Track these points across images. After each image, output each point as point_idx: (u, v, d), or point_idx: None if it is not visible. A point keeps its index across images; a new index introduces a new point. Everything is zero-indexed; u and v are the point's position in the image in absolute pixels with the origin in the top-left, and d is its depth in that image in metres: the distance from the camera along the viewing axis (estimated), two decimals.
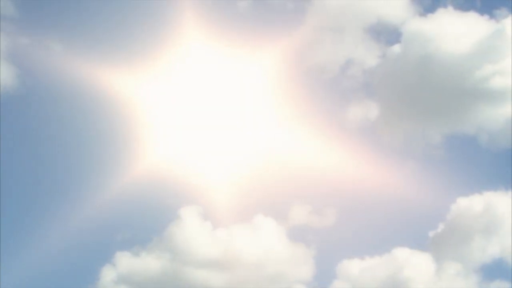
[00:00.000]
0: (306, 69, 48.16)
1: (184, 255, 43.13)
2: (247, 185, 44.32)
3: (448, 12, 46.48)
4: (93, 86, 43.95)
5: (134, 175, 43.29)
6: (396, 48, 47.11)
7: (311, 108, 46.71)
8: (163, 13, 45.39)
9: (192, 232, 43.54)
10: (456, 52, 44.77)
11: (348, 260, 43.75)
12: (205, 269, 42.76)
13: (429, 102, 45.39)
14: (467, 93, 44.71)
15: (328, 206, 45.43)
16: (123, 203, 42.73)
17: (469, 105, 45.08)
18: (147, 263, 42.96)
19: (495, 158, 45.74)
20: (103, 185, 43.21)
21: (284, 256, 43.80)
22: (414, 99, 45.71)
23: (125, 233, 44.45)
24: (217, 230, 43.76)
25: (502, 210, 42.72)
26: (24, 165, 45.12)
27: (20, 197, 44.62)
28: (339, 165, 43.68)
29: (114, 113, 44.54)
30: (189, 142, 45.44)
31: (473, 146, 46.26)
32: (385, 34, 48.38)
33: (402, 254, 43.17)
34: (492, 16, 46.19)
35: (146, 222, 43.84)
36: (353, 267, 43.57)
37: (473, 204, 43.72)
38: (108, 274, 42.61)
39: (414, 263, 42.78)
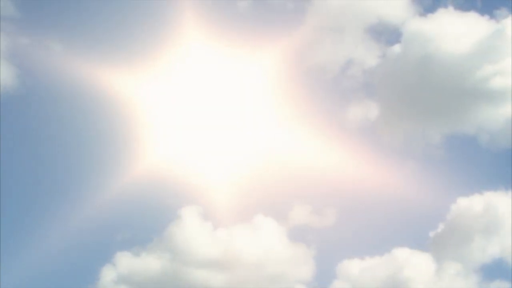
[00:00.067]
0: (306, 69, 48.23)
1: (184, 255, 43.18)
2: (247, 185, 44.36)
3: (448, 12, 46.57)
4: (93, 86, 43.96)
5: (134, 175, 43.30)
6: (396, 48, 47.21)
7: (311, 108, 46.77)
8: (163, 13, 45.43)
9: (192, 232, 43.56)
10: (456, 52, 44.82)
11: (348, 260, 43.84)
12: (205, 269, 42.79)
13: (429, 102, 45.44)
14: (467, 93, 44.75)
15: (328, 206, 45.50)
16: (123, 203, 42.78)
17: (469, 105, 45.15)
18: (147, 263, 42.98)
19: (495, 158, 45.82)
20: (103, 185, 43.25)
21: (284, 256, 43.85)
22: (414, 99, 45.76)
23: (125, 233, 44.52)
24: (217, 230, 43.81)
25: (502, 210, 42.75)
26: (24, 165, 45.17)
27: (20, 197, 44.68)
28: (339, 165, 43.70)
29: (114, 113, 44.56)
30: (189, 142, 45.48)
31: (473, 146, 46.34)
32: (385, 34, 48.47)
33: (402, 254, 43.21)
34: (492, 16, 46.29)
35: (146, 222, 43.91)
36: (353, 267, 43.64)
37: (473, 204, 43.78)
38: (108, 274, 42.65)
39: (414, 263, 42.81)
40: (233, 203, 43.86)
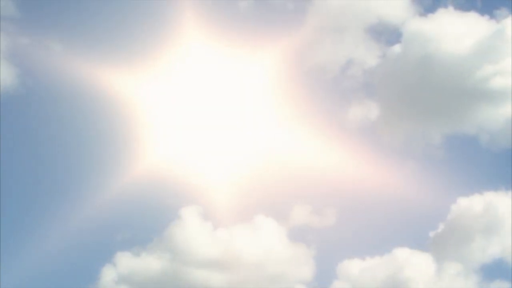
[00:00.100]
0: (307, 69, 48.22)
1: (184, 255, 43.17)
2: (247, 185, 44.35)
3: (449, 12, 46.56)
4: (93, 86, 43.95)
5: (134, 175, 43.29)
6: (397, 48, 47.21)
7: (311, 108, 46.77)
8: (163, 13, 45.42)
9: (193, 232, 43.56)
10: (457, 52, 44.82)
11: (349, 260, 43.83)
12: (206, 269, 42.78)
13: (429, 102, 45.44)
14: (467, 93, 44.76)
15: (328, 206, 45.49)
16: (123, 203, 42.76)
17: (469, 105, 45.16)
18: (148, 263, 42.97)
19: (495, 158, 45.83)
20: (103, 185, 43.23)
21: (285, 256, 43.85)
22: (414, 99, 45.76)
23: (125, 233, 44.50)
24: (218, 230, 43.80)
25: (503, 210, 42.77)
26: (24, 165, 45.15)
27: (20, 197, 44.66)
28: (339, 165, 43.69)
29: (114, 113, 44.55)
30: (189, 142, 45.47)
31: (473, 146, 46.35)
32: (386, 34, 48.46)
33: (403, 254, 43.21)
34: (492, 16, 46.30)
35: (146, 222, 43.88)
36: (353, 267, 43.64)
37: (474, 204, 43.78)
38: (108, 274, 42.63)
39: (415, 263, 42.81)
40: (233, 203, 43.88)
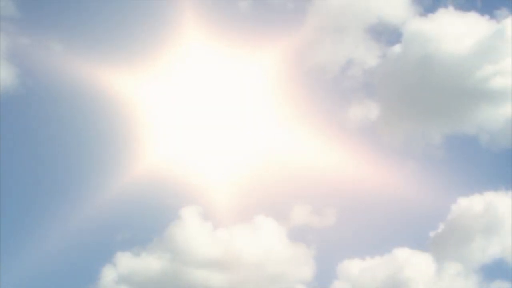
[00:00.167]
0: (307, 69, 48.21)
1: (184, 255, 43.17)
2: (247, 185, 44.35)
3: (449, 12, 46.56)
4: (93, 86, 43.94)
5: (134, 175, 43.29)
6: (397, 48, 47.22)
7: (311, 108, 46.76)
8: (163, 13, 45.41)
9: (193, 232, 43.56)
10: (457, 52, 44.83)
11: (349, 260, 43.83)
12: (206, 269, 42.78)
13: (430, 102, 45.45)
14: (467, 93, 44.76)
15: (328, 206, 45.49)
16: (123, 203, 42.75)
17: (469, 105, 45.15)
18: (148, 263, 42.96)
19: (495, 158, 45.84)
20: (103, 185, 43.23)
21: (285, 256, 43.84)
22: (414, 99, 45.76)
23: (125, 233, 44.49)
24: (218, 230, 43.80)
25: (503, 210, 42.78)
26: (24, 165, 45.14)
27: (20, 197, 44.65)
28: (339, 165, 43.69)
29: (114, 113, 44.54)
30: (189, 142, 45.46)
31: (473, 146, 46.36)
32: (386, 34, 48.46)
33: (403, 254, 43.22)
34: (492, 16, 46.30)
35: (146, 222, 43.88)
36: (353, 267, 43.64)
37: (474, 204, 43.79)
38: (108, 274, 42.62)
39: (415, 263, 42.81)
40: (233, 203, 43.88)
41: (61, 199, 43.66)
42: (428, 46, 45.24)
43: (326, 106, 47.85)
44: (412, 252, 43.31)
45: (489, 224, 42.88)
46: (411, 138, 46.62)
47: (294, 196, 45.27)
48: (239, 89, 46.28)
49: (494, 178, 44.57)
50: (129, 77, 44.20)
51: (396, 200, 43.38)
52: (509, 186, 43.15)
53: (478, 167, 45.93)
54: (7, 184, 43.50)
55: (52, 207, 43.51)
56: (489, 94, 44.43)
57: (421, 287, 42.24)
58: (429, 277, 42.39)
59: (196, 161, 45.04)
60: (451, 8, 46.80)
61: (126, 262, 43.07)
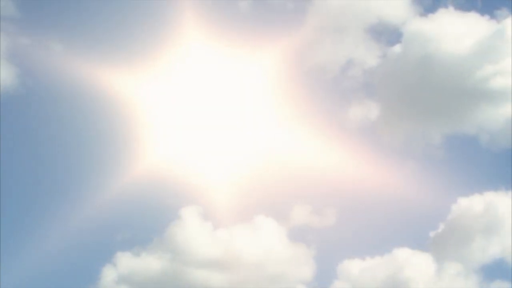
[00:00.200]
0: (307, 69, 48.21)
1: (184, 255, 43.17)
2: (247, 185, 44.35)
3: (449, 12, 46.58)
4: (93, 86, 43.94)
5: (134, 175, 43.28)
6: (397, 48, 47.24)
7: (311, 108, 46.77)
8: (163, 13, 45.41)
9: (193, 232, 43.55)
10: (457, 52, 44.84)
11: (349, 260, 43.82)
12: (206, 269, 42.78)
13: (430, 102, 45.46)
14: (467, 93, 44.77)
15: (328, 206, 45.49)
16: (123, 203, 42.75)
17: (469, 105, 45.16)
18: (148, 263, 42.96)
19: (495, 158, 45.84)
20: (103, 185, 43.23)
21: (285, 256, 43.84)
22: (414, 99, 45.76)
23: (125, 233, 44.49)
24: (218, 230, 43.80)
25: (503, 210, 42.79)
26: (24, 165, 45.14)
27: (20, 197, 44.65)
28: (339, 165, 43.69)
29: (114, 113, 44.54)
30: (189, 142, 45.46)
31: (473, 146, 46.36)
32: (386, 34, 48.47)
33: (403, 254, 43.22)
34: (492, 16, 46.32)
35: (146, 222, 43.88)
36: (353, 267, 43.63)
37: (474, 204, 43.79)
38: (108, 274, 42.62)
39: (415, 263, 42.81)
40: (233, 203, 43.88)
41: (61, 199, 43.73)
42: (428, 46, 45.27)
43: (326, 106, 47.92)
44: (412, 252, 43.37)
45: (489, 224, 42.91)
46: (411, 138, 46.69)
47: (294, 196, 45.33)
48: (239, 89, 46.33)
49: (494, 178, 44.66)
50: (129, 77, 44.24)
51: (396, 200, 43.43)
52: (509, 186, 43.24)
53: (478, 167, 46.01)
54: (7, 184, 43.56)
55: (52, 207, 43.58)
56: (489, 94, 44.48)
57: (421, 287, 42.27)
58: (429, 277, 42.41)
59: (196, 161, 45.09)
60: (451, 8, 46.90)
61: (126, 262, 43.09)
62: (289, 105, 45.98)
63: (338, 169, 43.51)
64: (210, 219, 43.91)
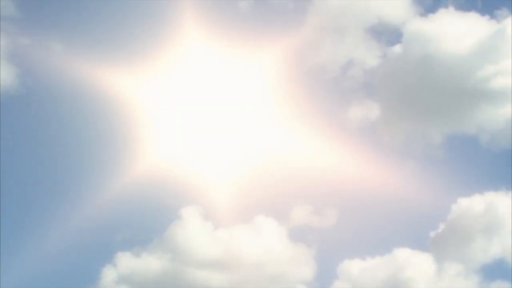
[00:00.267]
0: (307, 69, 48.21)
1: (184, 255, 43.16)
2: (248, 185, 44.35)
3: (449, 13, 46.58)
4: (93, 86, 43.95)
5: (134, 175, 43.28)
6: (397, 48, 47.23)
7: (311, 108, 46.78)
8: (163, 13, 45.41)
9: (193, 233, 43.55)
10: (457, 52, 44.84)
11: (349, 260, 43.82)
12: (206, 270, 42.77)
13: (430, 102, 45.46)
14: (467, 93, 44.77)
15: (329, 206, 45.49)
16: (123, 203, 42.75)
17: (469, 105, 45.18)
18: (148, 263, 42.95)
19: (495, 158, 45.84)
20: (103, 185, 43.22)
21: (285, 257, 43.84)
22: (414, 99, 45.77)
23: (125, 233, 44.49)
24: (218, 231, 43.79)
25: (503, 210, 42.80)
26: (24, 165, 45.13)
27: (20, 197, 44.64)
28: (339, 165, 43.70)
29: (114, 113, 44.54)
30: (189, 142, 45.46)
31: (473, 146, 46.37)
32: (386, 34, 48.47)
33: (403, 254, 43.22)
34: (492, 16, 46.32)
35: (146, 222, 43.88)
36: (354, 267, 43.64)
37: (474, 204, 43.80)
38: (108, 274, 42.61)
39: (415, 263, 42.81)
40: (233, 203, 43.88)
41: (61, 199, 43.72)
42: (428, 46, 45.27)
43: (326, 106, 47.92)
44: (412, 252, 43.38)
45: (490, 224, 42.91)
46: (411, 138, 46.69)
47: (294, 196, 45.34)
48: (239, 89, 46.34)
49: (494, 178, 44.67)
50: (129, 77, 44.24)
51: (396, 200, 43.44)
52: (509, 186, 43.25)
53: (478, 167, 46.02)
54: (7, 184, 43.55)
55: (52, 207, 43.57)
56: (489, 94, 44.48)
57: (421, 287, 42.28)
58: (430, 277, 42.42)
59: (196, 161, 45.09)
60: (451, 8, 46.91)
61: (126, 262, 43.08)
62: (289, 105, 46.02)
63: (338, 169, 43.53)
64: (210, 219, 43.99)
